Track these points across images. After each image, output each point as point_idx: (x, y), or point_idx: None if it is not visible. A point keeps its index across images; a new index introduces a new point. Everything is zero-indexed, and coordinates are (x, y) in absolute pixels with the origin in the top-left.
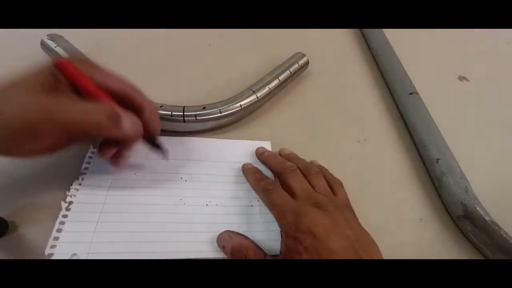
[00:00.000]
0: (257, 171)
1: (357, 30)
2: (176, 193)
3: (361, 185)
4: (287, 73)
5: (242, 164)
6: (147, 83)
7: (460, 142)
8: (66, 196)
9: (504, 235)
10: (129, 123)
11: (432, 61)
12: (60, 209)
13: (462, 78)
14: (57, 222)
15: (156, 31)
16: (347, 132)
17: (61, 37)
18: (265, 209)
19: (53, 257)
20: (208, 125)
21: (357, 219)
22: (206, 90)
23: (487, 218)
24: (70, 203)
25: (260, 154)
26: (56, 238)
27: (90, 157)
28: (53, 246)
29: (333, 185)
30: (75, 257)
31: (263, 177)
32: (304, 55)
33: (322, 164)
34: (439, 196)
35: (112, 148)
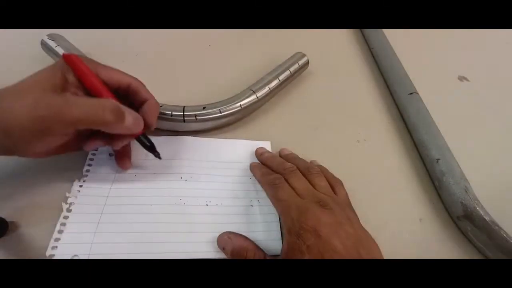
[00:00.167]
0: (264, 166)
1: (357, 30)
2: (176, 193)
3: (361, 185)
4: (287, 73)
5: (242, 164)
6: (147, 83)
7: (460, 142)
8: (66, 197)
9: (504, 235)
10: (131, 119)
11: (432, 61)
12: (60, 209)
13: (462, 78)
14: (58, 223)
15: (156, 31)
16: (347, 132)
17: (61, 36)
18: (265, 209)
19: (54, 258)
20: (208, 125)
21: (358, 219)
22: (206, 90)
23: (487, 218)
24: (71, 204)
25: (260, 155)
26: (57, 239)
27: (91, 159)
28: (54, 247)
29: (333, 185)
30: (76, 258)
31: (270, 172)
32: (304, 55)
33: (322, 164)
34: (439, 196)
35: (98, 142)
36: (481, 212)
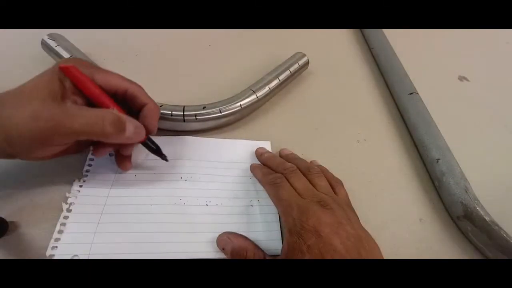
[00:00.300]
0: (264, 166)
1: (357, 30)
2: (176, 193)
3: (361, 185)
4: (287, 73)
5: (242, 164)
6: (147, 83)
7: (460, 142)
8: (66, 197)
9: (504, 235)
10: (132, 128)
11: (432, 61)
12: (60, 209)
13: (462, 78)
14: (58, 224)
15: (156, 31)
16: (347, 132)
17: (61, 36)
18: (265, 209)
19: (54, 258)
20: (208, 124)
21: (358, 219)
22: (206, 90)
23: (487, 218)
24: (71, 204)
25: (260, 155)
26: (57, 239)
27: (91, 159)
28: (54, 247)
29: (334, 185)
30: (76, 258)
31: (271, 171)
32: (304, 55)
33: (322, 164)
34: (439, 196)
35: (107, 149)
36: (481, 212)
